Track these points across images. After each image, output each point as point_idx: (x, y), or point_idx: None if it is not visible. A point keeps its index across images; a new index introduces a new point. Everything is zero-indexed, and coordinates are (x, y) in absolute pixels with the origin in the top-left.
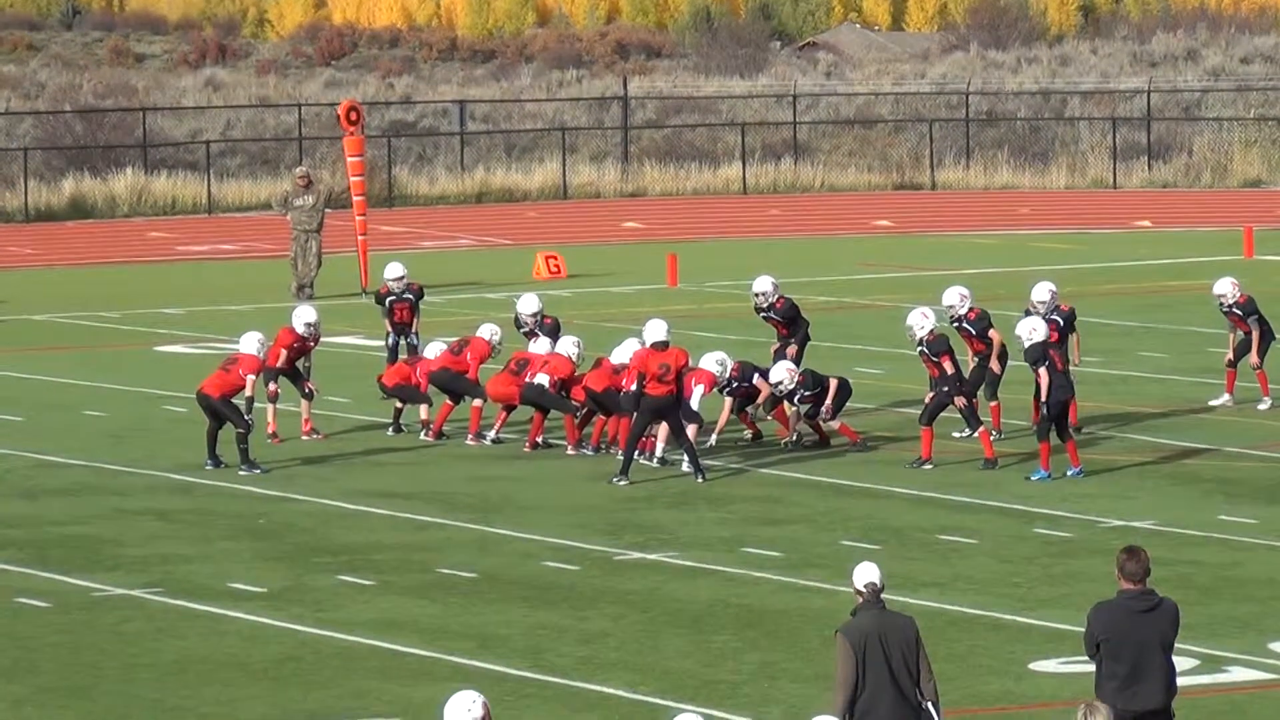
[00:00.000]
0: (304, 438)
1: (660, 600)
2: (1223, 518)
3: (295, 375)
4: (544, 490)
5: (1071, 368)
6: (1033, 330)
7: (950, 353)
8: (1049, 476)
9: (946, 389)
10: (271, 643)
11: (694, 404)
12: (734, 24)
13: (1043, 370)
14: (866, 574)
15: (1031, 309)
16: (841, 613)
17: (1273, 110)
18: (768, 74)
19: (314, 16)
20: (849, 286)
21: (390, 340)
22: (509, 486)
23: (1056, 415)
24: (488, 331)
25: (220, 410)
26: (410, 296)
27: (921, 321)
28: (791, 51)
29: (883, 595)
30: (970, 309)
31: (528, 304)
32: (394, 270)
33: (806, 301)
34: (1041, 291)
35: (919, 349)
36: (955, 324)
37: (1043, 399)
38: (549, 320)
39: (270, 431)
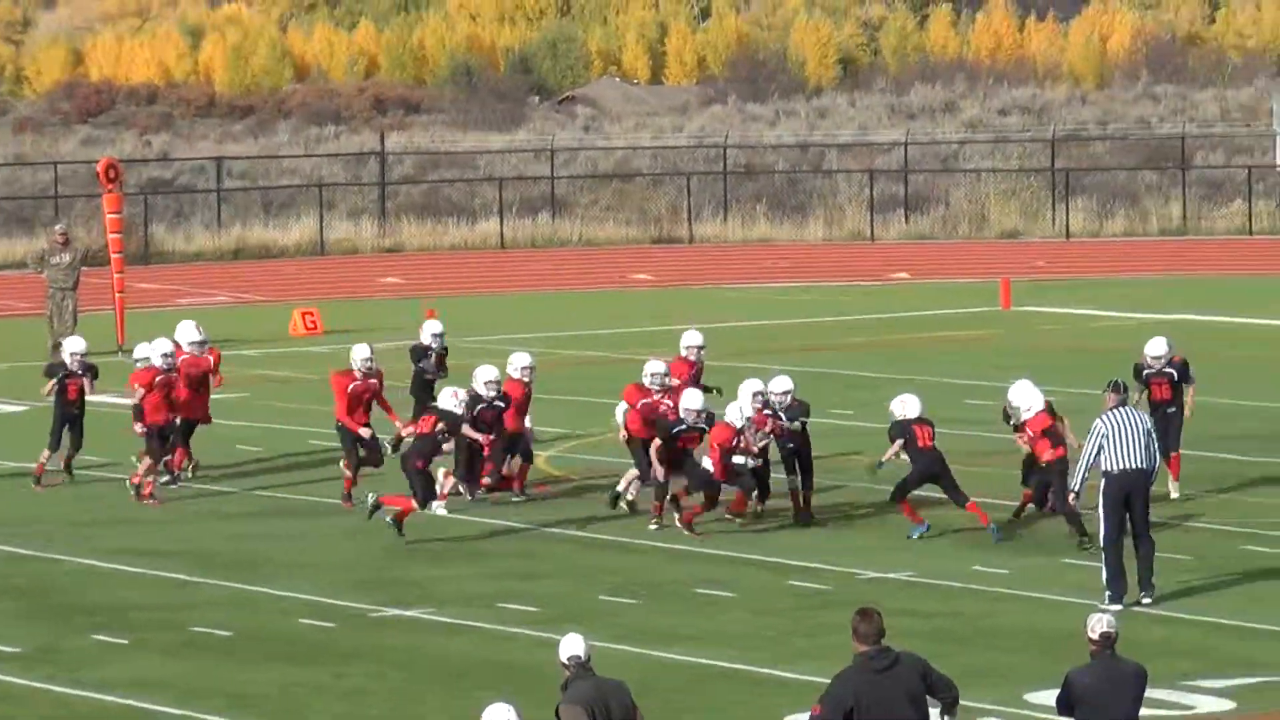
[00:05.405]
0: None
1: (419, 657)
2: (978, 568)
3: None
4: (302, 548)
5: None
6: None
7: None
8: (927, 528)
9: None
10: (25, 704)
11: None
12: (493, 78)
13: (897, 444)
14: (571, 647)
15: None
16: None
17: (1030, 162)
18: (526, 128)
19: (72, 73)
20: (607, 341)
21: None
22: (267, 544)
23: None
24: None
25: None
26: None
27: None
28: (550, 106)
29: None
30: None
31: None
32: (76, 344)
33: (569, 358)
34: (1023, 395)
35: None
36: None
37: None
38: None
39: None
